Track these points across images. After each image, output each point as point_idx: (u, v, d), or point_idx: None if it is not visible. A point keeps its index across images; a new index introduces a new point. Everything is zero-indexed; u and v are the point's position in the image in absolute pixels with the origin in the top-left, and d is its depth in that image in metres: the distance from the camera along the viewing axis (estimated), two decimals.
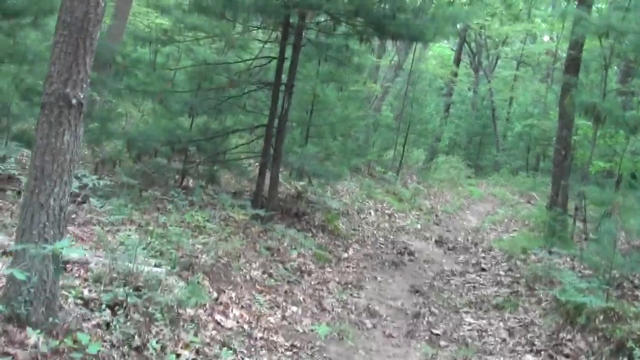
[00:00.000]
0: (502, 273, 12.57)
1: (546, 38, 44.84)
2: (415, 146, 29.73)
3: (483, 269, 13.07)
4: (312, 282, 9.38)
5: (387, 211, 18.59)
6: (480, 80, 44.65)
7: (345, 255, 12.17)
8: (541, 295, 10.11)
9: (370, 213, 17.63)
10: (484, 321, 9.16)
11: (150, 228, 8.38)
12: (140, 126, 14.51)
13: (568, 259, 12.67)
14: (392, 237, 15.32)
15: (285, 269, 9.41)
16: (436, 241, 15.99)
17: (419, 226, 17.88)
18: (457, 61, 35.62)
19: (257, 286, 8.36)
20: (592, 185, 16.03)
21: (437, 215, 20.64)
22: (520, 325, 8.90)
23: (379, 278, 11.01)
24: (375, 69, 32.32)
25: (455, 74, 34.71)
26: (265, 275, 8.76)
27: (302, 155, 13.63)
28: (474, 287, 11.41)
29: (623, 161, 16.65)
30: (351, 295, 9.50)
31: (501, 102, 45.84)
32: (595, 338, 7.80)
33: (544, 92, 40.75)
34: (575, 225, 15.66)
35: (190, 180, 13.90)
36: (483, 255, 14.74)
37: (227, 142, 13.62)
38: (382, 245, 14.03)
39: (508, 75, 46.35)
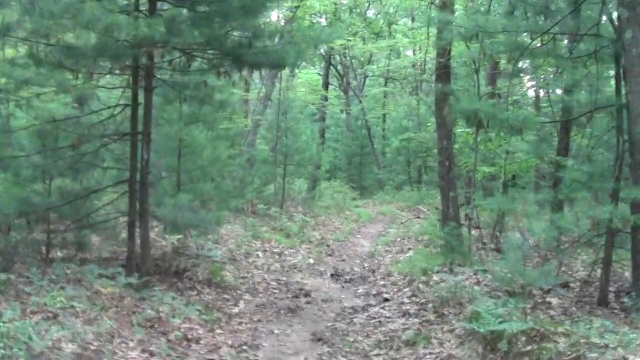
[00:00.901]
0: (406, 300, 11.73)
1: (409, 52, 45.08)
2: (296, 176, 28.80)
3: (386, 299, 12.19)
4: (202, 352, 8.20)
5: (276, 250, 17.58)
6: (352, 101, 44.40)
7: (236, 310, 11.04)
8: (453, 322, 9.29)
9: (258, 255, 16.57)
10: None
11: None
12: None
13: (472, 275, 11.96)
14: (284, 278, 14.30)
15: (169, 341, 8.20)
16: (332, 275, 15.09)
17: (311, 261, 16.96)
18: (326, 85, 35.16)
19: None
20: (479, 192, 15.56)
21: (328, 246, 19.81)
22: None
23: (276, 331, 9.92)
24: (244, 103, 31.40)
25: (326, 98, 34.21)
26: (146, 355, 7.53)
27: (175, 206, 12.43)
28: (380, 322, 10.48)
29: (506, 164, 16.25)
30: (247, 359, 8.39)
31: (375, 120, 45.82)
32: None
33: (415, 104, 40.85)
34: (471, 235, 15.04)
35: (59, 252, 12.56)
36: (383, 282, 13.90)
37: (90, 204, 12.29)
38: (275, 291, 12.98)
39: (378, 92, 46.35)
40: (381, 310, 11.30)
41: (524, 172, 17.09)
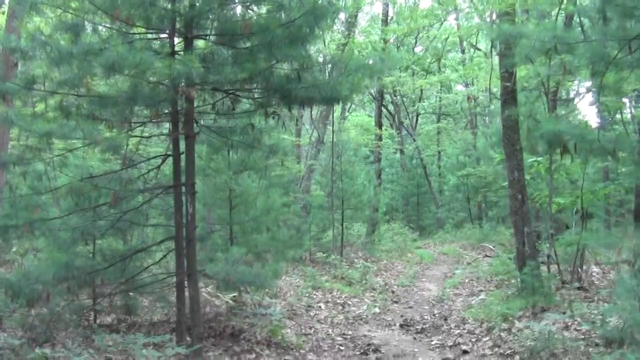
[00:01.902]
0: (488, 352, 10.52)
1: (460, 87, 44.14)
2: (354, 221, 27.73)
3: (465, 352, 10.99)
4: None
5: (338, 300, 16.49)
6: (405, 140, 43.33)
7: None
8: None
9: (320, 307, 15.50)
10: None
11: None
12: (25, 267, 12.17)
13: (559, 320, 10.70)
14: (350, 332, 13.19)
15: None
16: (401, 325, 13.91)
17: (377, 310, 15.82)
18: (379, 124, 34.11)
19: None
20: (551, 225, 14.32)
21: (393, 292, 18.66)
22: None
23: None
24: (296, 148, 30.62)
25: (380, 138, 33.17)
26: None
27: (227, 261, 11.45)
28: None
29: (584, 193, 14.99)
30: None
31: (430, 158, 44.83)
32: None
33: (471, 139, 39.79)
34: (550, 273, 13.79)
35: (107, 317, 11.69)
36: (458, 331, 12.70)
37: (136, 265, 11.39)
38: (341, 347, 11.86)
39: (431, 129, 45.40)
40: None
41: (603, 201, 15.82)
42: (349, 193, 24.69)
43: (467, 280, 19.78)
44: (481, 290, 17.22)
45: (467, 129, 44.18)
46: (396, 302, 17.38)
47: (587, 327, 10.06)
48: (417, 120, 46.84)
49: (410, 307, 16.58)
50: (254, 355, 10.38)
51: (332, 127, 26.79)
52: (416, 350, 11.65)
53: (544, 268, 13.93)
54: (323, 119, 27.32)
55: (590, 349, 8.63)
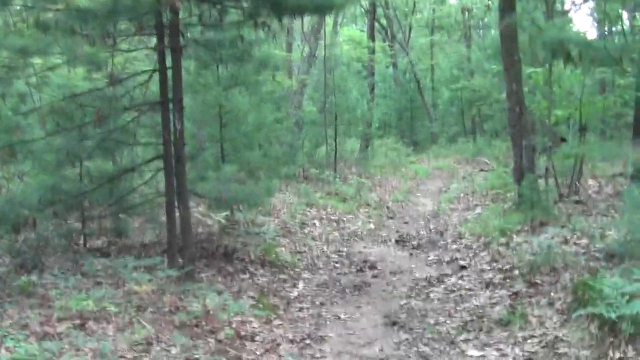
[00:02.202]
0: (486, 267, 10.33)
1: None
2: (347, 136, 27.32)
3: (462, 267, 10.82)
4: (258, 352, 6.91)
5: (333, 217, 16.27)
6: (398, 55, 42.58)
7: (295, 292, 9.75)
8: (552, 294, 7.88)
9: (314, 224, 15.30)
10: (494, 352, 6.85)
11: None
12: (11, 192, 11.80)
13: (558, 235, 10.47)
14: (345, 249, 13.02)
15: (218, 341, 6.93)
16: (396, 241, 13.75)
17: (372, 226, 15.67)
18: (372, 37, 33.31)
19: None
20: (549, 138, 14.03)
21: (388, 207, 18.47)
22: (544, 347, 6.63)
23: (342, 316, 8.61)
24: (288, 64, 30.02)
25: (373, 51, 32.47)
26: None
27: (219, 179, 11.16)
28: (461, 296, 9.11)
29: (583, 105, 14.65)
30: (312, 356, 7.06)
31: (423, 72, 44.09)
32: None
33: (465, 52, 39.19)
34: (548, 187, 13.54)
35: (98, 241, 11.43)
36: (455, 247, 12.55)
37: (125, 185, 11.06)
38: (336, 265, 11.70)
39: (424, 42, 44.68)
40: (459, 282, 9.92)
41: (600, 114, 15.46)
42: (342, 108, 24.20)
43: (462, 195, 19.60)
44: (477, 205, 17.03)
45: (461, 42, 43.49)
46: (391, 217, 17.22)
47: (587, 241, 9.86)
48: (410, 33, 45.91)
49: (406, 223, 16.42)
50: (247, 275, 10.18)
51: (324, 41, 26.11)
52: (413, 266, 11.48)
53: (541, 182, 13.66)
54: (314, 32, 26.59)
55: (592, 263, 8.41)
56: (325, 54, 24.81)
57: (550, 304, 7.59)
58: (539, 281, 8.47)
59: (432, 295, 9.38)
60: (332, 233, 14.48)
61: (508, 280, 9.13)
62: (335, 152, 23.86)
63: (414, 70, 40.44)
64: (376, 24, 39.04)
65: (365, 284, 10.23)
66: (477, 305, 8.44)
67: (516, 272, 9.30)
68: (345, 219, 16.31)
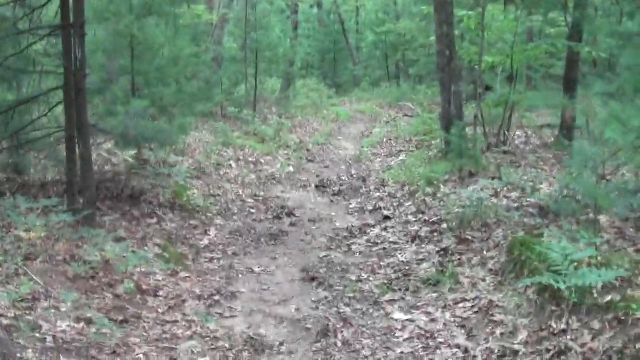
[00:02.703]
0: (412, 219, 9.72)
1: None
2: (268, 75, 26.29)
3: (387, 217, 10.18)
4: (160, 310, 6.13)
5: (250, 158, 15.46)
6: None
7: (206, 240, 8.94)
8: (484, 252, 7.29)
9: (231, 165, 14.47)
10: (422, 316, 6.20)
11: None
12: None
13: (488, 187, 9.90)
14: (262, 193, 12.24)
15: (116, 297, 6.11)
16: (317, 186, 13.04)
17: (291, 169, 14.92)
18: None
19: (66, 350, 5.11)
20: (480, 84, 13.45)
21: (308, 150, 17.73)
22: (477, 313, 6.02)
23: (256, 268, 7.88)
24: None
25: None
26: (81, 325, 5.43)
27: (127, 115, 10.20)
28: (385, 250, 8.47)
29: (515, 52, 14.07)
30: (221, 315, 6.32)
31: (349, 14, 43.11)
32: (606, 323, 4.95)
33: None
34: (477, 135, 12.97)
35: None
36: (378, 194, 11.92)
37: (24, 118, 10.00)
38: (252, 210, 10.92)
39: None
40: (384, 233, 9.27)
41: (532, 62, 14.89)
42: (263, 45, 23.14)
43: (385, 140, 19.02)
44: (401, 151, 16.46)
45: None
46: (311, 161, 16.51)
47: (518, 194, 9.32)
48: None
49: (327, 167, 15.75)
50: (155, 220, 9.30)
51: None
52: (333, 214, 10.81)
53: (469, 130, 13.08)
54: None
55: (526, 220, 7.85)
56: None
57: (483, 263, 6.99)
58: (469, 237, 7.87)
59: (354, 247, 8.72)
60: (249, 175, 13.71)
61: (436, 235, 8.53)
62: (255, 90, 22.94)
63: (339, 12, 39.46)
64: None
65: (283, 233, 9.51)
66: (402, 262, 7.81)
67: (444, 225, 8.72)
68: (263, 160, 15.53)
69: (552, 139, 15.25)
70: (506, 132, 13.79)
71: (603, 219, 6.95)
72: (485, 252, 7.22)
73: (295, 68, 29.61)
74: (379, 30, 36.33)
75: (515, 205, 8.70)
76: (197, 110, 14.19)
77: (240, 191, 12.19)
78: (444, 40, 13.01)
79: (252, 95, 22.68)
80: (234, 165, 14.55)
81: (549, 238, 6.56)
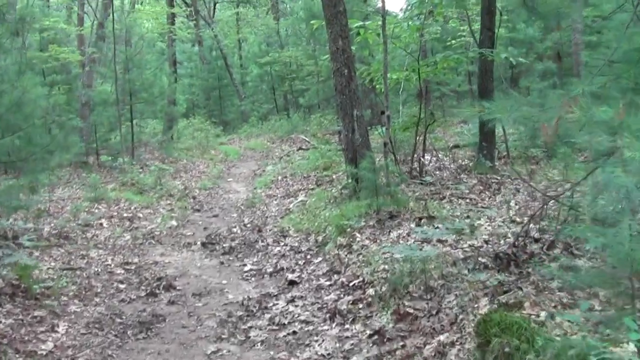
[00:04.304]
0: (325, 282, 7.54)
1: None
2: (147, 117, 23.71)
3: (292, 282, 7.95)
4: None
5: (126, 214, 13.11)
6: (203, 32, 39.24)
7: (50, 344, 6.44)
8: (440, 336, 5.14)
9: (102, 225, 12.10)
10: None
11: None
12: None
13: (416, 230, 7.83)
14: (136, 259, 9.86)
15: None
16: (203, 244, 10.74)
17: (174, 222, 12.64)
18: (171, 3, 29.82)
19: None
20: (386, 105, 11.47)
21: (194, 197, 15.52)
22: None
23: None
24: (80, 39, 26.32)
25: (172, 21, 29.12)
26: None
27: None
28: (295, 334, 6.16)
29: (421, 66, 12.21)
30: None
31: (231, 49, 41.21)
32: None
33: (274, 25, 36.84)
34: (388, 166, 10.91)
35: None
36: (278, 249, 9.73)
37: None
38: (121, 286, 8.49)
39: (230, 16, 41.89)
40: (291, 308, 6.94)
41: (440, 76, 13.09)
42: (137, 85, 20.80)
43: (280, 178, 16.95)
44: (299, 190, 14.37)
45: (269, 15, 41.06)
46: (198, 210, 14.27)
47: (454, 237, 7.30)
48: (214, 8, 42.93)
49: (216, 216, 13.53)
50: None
51: (112, 10, 22.48)
52: (224, 282, 8.50)
53: (377, 160, 11.04)
54: (105, 6, 22.87)
55: (481, 276, 5.79)
56: (113, 20, 21.23)
57: (442, 354, 4.85)
58: (410, 310, 5.72)
59: (252, 334, 6.37)
60: (123, 236, 11.35)
61: (362, 307, 6.34)
62: (132, 135, 20.52)
63: (220, 47, 37.40)
64: (179, 3, 36.00)
65: (158, 318, 7.13)
66: (323, 356, 5.58)
67: (371, 291, 6.55)
68: (141, 214, 13.22)
69: (467, 161, 13.52)
70: (421, 159, 11.84)
71: None
72: (440, 336, 5.08)
73: (179, 108, 27.31)
74: (263, 61, 34.62)
75: (459, 253, 6.66)
76: (52, 164, 11.71)
77: (110, 259, 9.81)
78: (340, 57, 10.98)
79: (130, 141, 20.30)
80: (105, 224, 12.22)
81: (533, 310, 4.51)
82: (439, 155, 14.14)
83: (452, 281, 5.82)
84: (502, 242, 7.01)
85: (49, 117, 13.98)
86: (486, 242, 7.06)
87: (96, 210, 13.22)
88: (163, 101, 24.07)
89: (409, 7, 13.17)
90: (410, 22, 12.18)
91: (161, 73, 24.31)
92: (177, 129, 26.69)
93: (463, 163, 13.83)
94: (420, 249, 6.64)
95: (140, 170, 18.03)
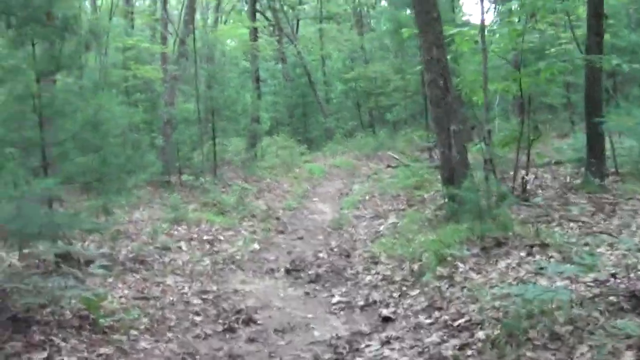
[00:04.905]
0: (425, 320, 6.58)
1: None
2: (229, 135, 23.05)
3: (387, 318, 7.03)
4: None
5: (206, 236, 12.43)
6: (286, 49, 38.80)
7: None
8: None
9: (180, 248, 11.44)
10: None
11: None
12: None
13: (527, 260, 6.85)
14: (215, 287, 9.10)
15: None
16: (287, 271, 9.91)
17: (256, 246, 11.92)
18: (253, 15, 29.16)
19: None
20: (486, 119, 10.49)
21: (277, 218, 14.78)
22: None
23: None
24: (163, 59, 26.13)
25: (255, 34, 28.59)
26: None
27: (19, 203, 7.12)
28: None
29: (522, 76, 11.20)
30: None
31: (315, 65, 40.62)
32: None
33: (358, 40, 36.22)
34: (490, 185, 9.89)
35: None
36: (369, 278, 8.83)
37: None
38: (196, 319, 7.69)
39: (313, 32, 41.49)
40: (386, 352, 5.95)
41: (542, 85, 12.02)
42: (220, 102, 20.24)
43: (368, 198, 16.14)
44: (390, 211, 13.49)
45: (352, 31, 40.44)
46: (282, 232, 13.53)
47: (573, 269, 6.26)
48: (297, 24, 42.60)
49: (300, 239, 12.77)
50: (45, 354, 6.14)
51: (194, 26, 21.99)
52: (310, 316, 7.63)
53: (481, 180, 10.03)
54: (188, 21, 22.42)
55: (619, 321, 4.80)
56: (194, 40, 20.68)
57: None
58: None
59: None
60: (202, 260, 10.64)
61: (472, 354, 5.37)
62: (214, 154, 19.98)
63: (304, 63, 36.79)
64: (262, 18, 35.72)
65: (235, 359, 6.34)
66: None
67: (481, 334, 5.59)
68: (222, 237, 12.55)
69: (570, 179, 12.42)
70: (524, 177, 10.80)
71: None
72: None
73: (263, 125, 26.73)
74: (348, 77, 33.92)
75: (587, 292, 5.65)
76: (129, 184, 11.09)
77: (186, 287, 9.07)
78: (434, 67, 10.09)
79: (212, 159, 19.77)
80: (184, 247, 11.56)
81: None
82: (537, 172, 13.09)
83: (582, 327, 4.84)
84: (632, 275, 5.99)
85: (127, 136, 13.40)
86: (613, 275, 6.04)
87: (175, 232, 12.61)
88: (246, 119, 23.56)
89: (502, 12, 12.22)
90: (508, 28, 11.15)
91: (244, 90, 23.78)
92: (261, 146, 26.14)
93: (566, 181, 12.76)
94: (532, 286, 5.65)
95: (223, 189, 17.45)
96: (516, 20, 11.81)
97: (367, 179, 20.00)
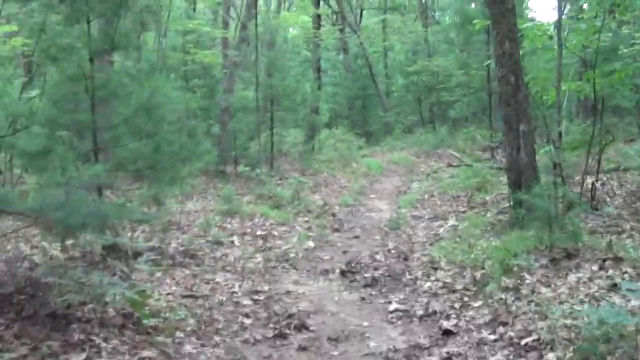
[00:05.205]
0: (488, 336, 6.12)
1: None
2: (287, 125, 22.74)
3: (447, 331, 6.58)
4: None
5: (259, 231, 12.11)
6: (349, 40, 38.30)
7: None
8: None
9: (233, 242, 11.13)
10: None
11: None
12: None
13: (598, 274, 6.35)
14: (267, 287, 8.75)
15: None
16: (342, 272, 9.49)
17: (311, 243, 11.54)
18: (317, 2, 28.68)
19: None
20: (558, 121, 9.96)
21: (334, 215, 14.40)
22: None
23: None
24: (224, 44, 25.82)
25: (319, 21, 28.17)
26: None
27: (67, 189, 6.84)
28: None
29: (597, 76, 10.61)
30: None
31: (376, 58, 40.08)
32: None
33: (422, 32, 35.50)
34: (558, 192, 9.35)
35: None
36: (428, 285, 8.36)
37: None
38: (245, 322, 7.33)
39: (376, 23, 40.91)
40: None
41: (617, 86, 11.39)
42: (279, 90, 19.88)
43: (427, 197, 15.67)
44: (450, 212, 13.00)
45: (417, 22, 39.75)
46: (337, 229, 13.12)
47: None
48: (361, 15, 42.11)
49: (356, 237, 12.35)
50: (84, 356, 5.83)
51: (256, 10, 21.63)
52: (365, 324, 7.21)
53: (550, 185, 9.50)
54: (251, 5, 22.14)
55: None
56: (256, 24, 20.29)
57: None
58: None
59: None
60: (255, 257, 10.32)
61: None
62: (271, 144, 19.67)
63: (366, 54, 36.24)
64: (326, 5, 35.23)
65: None
66: None
67: (551, 356, 5.12)
68: (276, 232, 12.23)
69: (638, 187, 11.80)
70: (595, 184, 10.23)
71: None
72: None
73: (322, 117, 26.33)
74: (410, 70, 33.26)
75: None
76: (182, 173, 10.75)
77: (237, 285, 8.74)
78: (506, 62, 9.58)
79: (269, 150, 19.44)
80: (236, 242, 11.26)
81: None
82: (603, 179, 12.49)
83: None
84: None
85: (183, 123, 13.06)
86: None
87: (228, 226, 12.35)
88: (305, 109, 23.20)
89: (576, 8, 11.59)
90: (586, 24, 10.56)
91: (304, 80, 23.40)
92: (319, 139, 25.76)
93: (632, 189, 12.14)
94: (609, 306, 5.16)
95: (279, 182, 17.13)
96: (593, 15, 11.19)
97: (426, 177, 19.50)
